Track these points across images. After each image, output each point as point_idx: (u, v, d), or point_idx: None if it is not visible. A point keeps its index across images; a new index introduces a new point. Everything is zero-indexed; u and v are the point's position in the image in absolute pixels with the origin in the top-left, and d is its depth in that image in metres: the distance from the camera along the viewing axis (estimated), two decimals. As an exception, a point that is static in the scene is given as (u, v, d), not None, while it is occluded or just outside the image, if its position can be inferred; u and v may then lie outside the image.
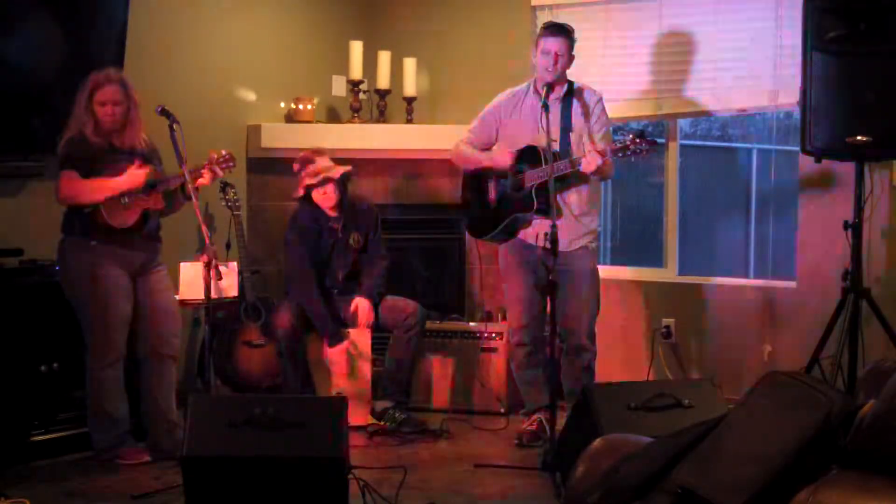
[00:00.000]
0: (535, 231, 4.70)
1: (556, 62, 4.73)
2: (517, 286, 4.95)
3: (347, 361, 5.14)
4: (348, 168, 5.21)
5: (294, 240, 5.22)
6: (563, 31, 4.76)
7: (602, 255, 5.28)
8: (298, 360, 5.13)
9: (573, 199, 4.83)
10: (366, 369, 5.21)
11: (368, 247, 5.30)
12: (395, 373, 5.20)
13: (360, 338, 5.17)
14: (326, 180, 5.13)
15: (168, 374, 4.66)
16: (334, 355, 5.12)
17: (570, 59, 4.80)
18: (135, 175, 4.44)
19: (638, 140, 4.52)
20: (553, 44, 4.73)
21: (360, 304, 5.14)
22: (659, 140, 5.84)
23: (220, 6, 5.87)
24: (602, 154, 4.58)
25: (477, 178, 5.02)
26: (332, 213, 5.21)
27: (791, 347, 5.22)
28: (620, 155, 4.59)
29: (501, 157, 4.87)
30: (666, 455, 2.46)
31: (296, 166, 5.23)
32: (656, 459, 2.47)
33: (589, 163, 4.57)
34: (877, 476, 2.16)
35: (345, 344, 5.11)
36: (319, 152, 5.22)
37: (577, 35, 4.82)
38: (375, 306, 5.20)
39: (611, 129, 4.96)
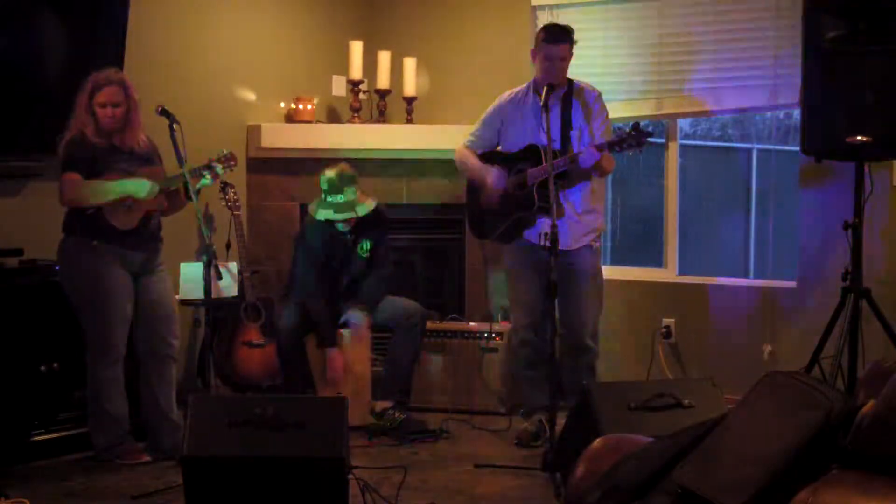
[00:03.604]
0: (538, 231, 4.70)
1: (559, 67, 4.73)
2: (521, 285, 4.95)
3: (342, 367, 5.13)
4: (371, 205, 5.14)
5: (303, 252, 5.22)
6: (565, 38, 4.75)
7: (603, 255, 5.28)
8: (298, 360, 5.13)
9: (576, 197, 4.83)
10: (366, 369, 5.21)
11: (375, 253, 5.29)
12: (395, 373, 5.20)
13: (359, 339, 5.17)
14: (349, 218, 5.12)
15: (168, 374, 4.66)
16: (330, 360, 5.11)
17: (570, 57, 4.81)
18: (142, 186, 4.43)
19: (633, 133, 4.52)
20: (556, 50, 4.72)
21: (352, 318, 5.16)
22: (659, 140, 5.85)
23: (221, 6, 5.87)
24: (599, 149, 4.58)
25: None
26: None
27: (791, 347, 5.22)
28: (617, 148, 4.58)
29: (497, 180, 4.86)
30: (666, 455, 2.46)
31: (323, 187, 5.16)
32: (656, 459, 2.47)
33: (586, 158, 4.58)
34: (877, 476, 2.16)
35: (336, 349, 5.11)
36: (347, 179, 5.09)
37: (576, 35, 4.81)
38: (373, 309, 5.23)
39: (611, 125, 4.96)
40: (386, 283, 5.28)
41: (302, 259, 5.23)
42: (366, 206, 5.13)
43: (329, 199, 5.11)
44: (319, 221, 5.16)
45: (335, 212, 5.10)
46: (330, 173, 5.13)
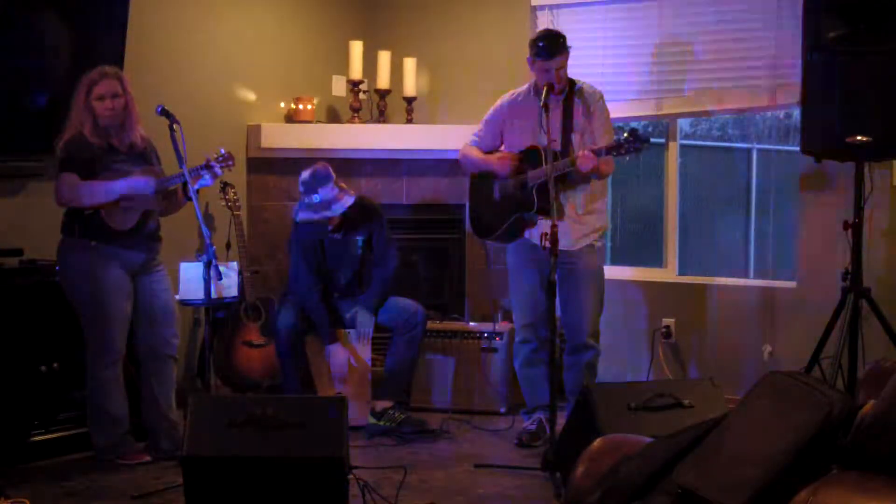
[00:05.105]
0: (540, 231, 4.70)
1: (557, 76, 4.73)
2: (523, 285, 4.96)
3: (347, 362, 5.14)
4: (348, 202, 5.08)
5: (296, 252, 5.22)
6: (558, 51, 4.72)
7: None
8: (298, 360, 5.13)
9: (577, 197, 4.83)
10: (366, 369, 5.22)
11: (374, 249, 5.28)
12: (395, 373, 5.20)
13: (360, 340, 5.17)
14: (328, 218, 5.10)
15: (168, 374, 4.66)
16: (334, 357, 5.11)
17: (567, 60, 4.80)
18: (140, 186, 4.43)
19: (630, 138, 4.52)
20: (551, 64, 4.72)
21: (359, 317, 5.15)
22: (659, 140, 5.84)
23: (221, 6, 5.87)
24: (596, 153, 4.58)
25: (482, 179, 5.04)
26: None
27: (791, 347, 5.22)
28: (614, 153, 4.59)
29: (502, 163, 4.88)
30: (666, 455, 2.47)
31: (300, 188, 5.15)
32: (656, 459, 2.47)
33: (584, 162, 4.57)
34: (877, 476, 2.16)
35: (338, 345, 5.11)
36: (321, 178, 5.06)
37: (576, 35, 4.81)
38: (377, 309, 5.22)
39: (612, 126, 4.96)
40: (388, 282, 5.27)
41: (296, 260, 5.23)
42: (343, 204, 5.09)
43: (305, 199, 5.11)
44: (307, 232, 5.17)
45: (312, 212, 5.10)
46: (304, 174, 5.11)
